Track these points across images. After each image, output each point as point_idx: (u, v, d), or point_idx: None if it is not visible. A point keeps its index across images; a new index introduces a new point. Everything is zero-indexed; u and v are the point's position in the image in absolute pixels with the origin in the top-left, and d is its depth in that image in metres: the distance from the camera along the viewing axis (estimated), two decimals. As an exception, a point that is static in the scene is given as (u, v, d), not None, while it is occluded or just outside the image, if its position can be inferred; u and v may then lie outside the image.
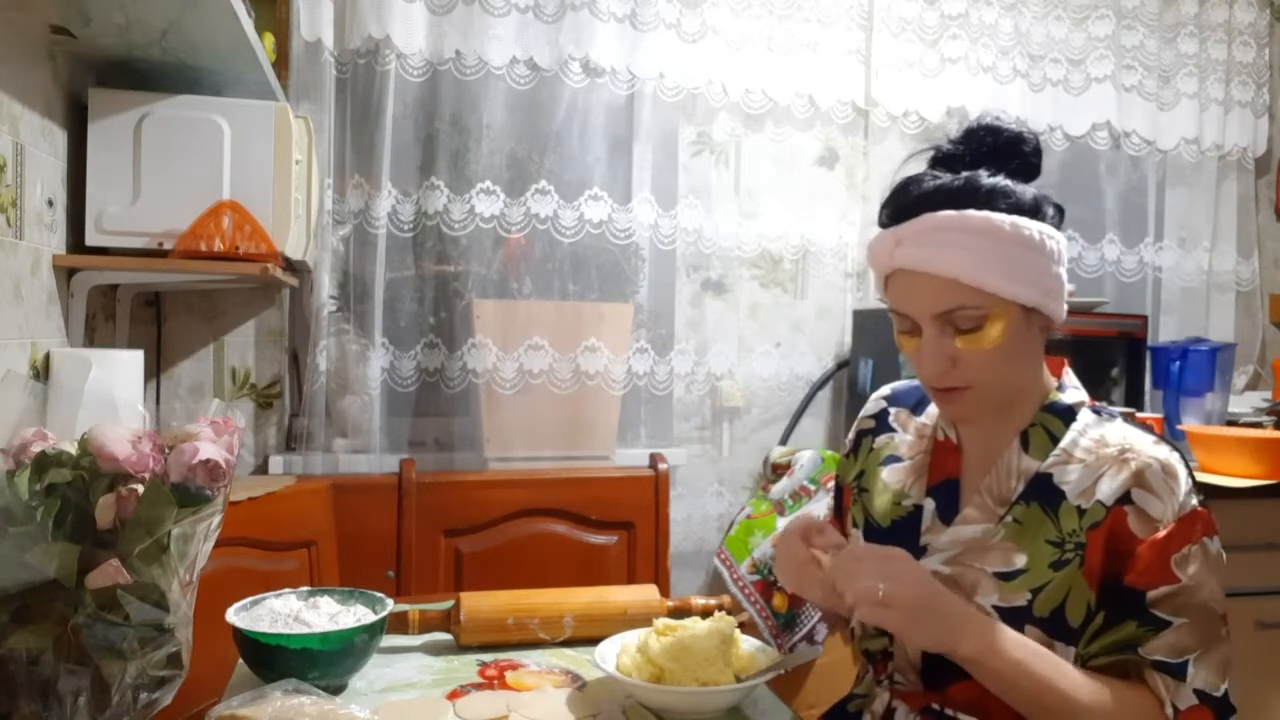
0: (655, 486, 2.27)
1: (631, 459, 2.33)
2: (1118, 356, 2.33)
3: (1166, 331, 2.69)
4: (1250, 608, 2.00)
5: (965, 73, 2.50)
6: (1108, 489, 0.93)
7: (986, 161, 0.96)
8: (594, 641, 1.14)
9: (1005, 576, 0.94)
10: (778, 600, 2.11)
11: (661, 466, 2.29)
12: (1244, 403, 2.50)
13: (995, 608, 0.94)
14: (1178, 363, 2.40)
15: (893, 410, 1.16)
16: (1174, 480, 0.92)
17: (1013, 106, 2.54)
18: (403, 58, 2.14)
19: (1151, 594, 0.90)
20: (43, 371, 1.48)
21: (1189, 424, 2.32)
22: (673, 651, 1.04)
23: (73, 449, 0.86)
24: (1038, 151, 0.99)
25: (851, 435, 1.20)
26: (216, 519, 0.90)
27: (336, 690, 1.07)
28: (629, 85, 2.29)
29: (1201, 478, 2.00)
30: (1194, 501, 0.93)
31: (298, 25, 2.08)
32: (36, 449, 0.85)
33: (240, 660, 1.09)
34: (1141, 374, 2.37)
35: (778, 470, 2.35)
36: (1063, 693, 0.87)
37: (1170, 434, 2.30)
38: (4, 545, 0.80)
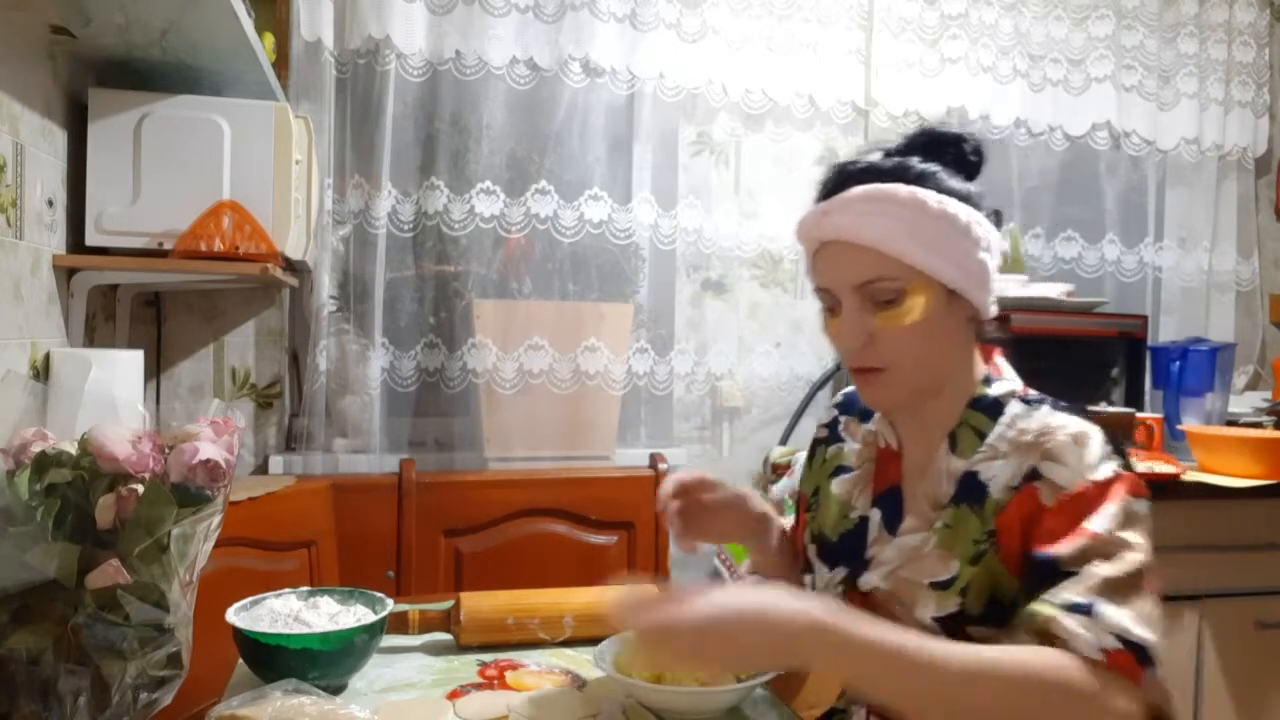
0: (655, 486, 2.27)
1: (631, 459, 2.33)
2: (1118, 356, 2.33)
3: (1166, 331, 2.69)
4: (1250, 608, 2.00)
5: (965, 73, 2.51)
6: (1016, 472, 0.90)
7: (922, 152, 0.96)
8: (594, 641, 1.14)
9: (942, 585, 0.91)
10: (778, 600, 2.11)
11: (661, 466, 2.29)
12: (1244, 403, 2.51)
13: (935, 619, 0.90)
14: (1178, 363, 2.41)
15: (843, 418, 1.13)
16: (1083, 447, 0.88)
17: (1013, 106, 2.54)
18: (403, 58, 2.14)
19: (1063, 553, 0.83)
20: (43, 371, 1.48)
21: (1189, 424, 2.32)
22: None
23: (73, 449, 0.86)
24: (978, 152, 0.99)
25: (809, 446, 1.18)
26: (216, 519, 0.90)
27: (336, 690, 1.06)
28: (629, 85, 2.29)
29: (1201, 478, 2.00)
30: (1112, 466, 0.87)
31: (298, 25, 2.08)
32: (36, 449, 0.85)
33: (240, 660, 1.09)
34: (1141, 374, 2.37)
35: (778, 470, 2.35)
36: (945, 670, 0.76)
37: (1170, 434, 2.30)
38: (4, 545, 0.80)
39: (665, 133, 2.39)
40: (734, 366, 2.43)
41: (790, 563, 1.16)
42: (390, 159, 2.14)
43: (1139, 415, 2.20)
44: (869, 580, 0.98)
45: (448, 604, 1.25)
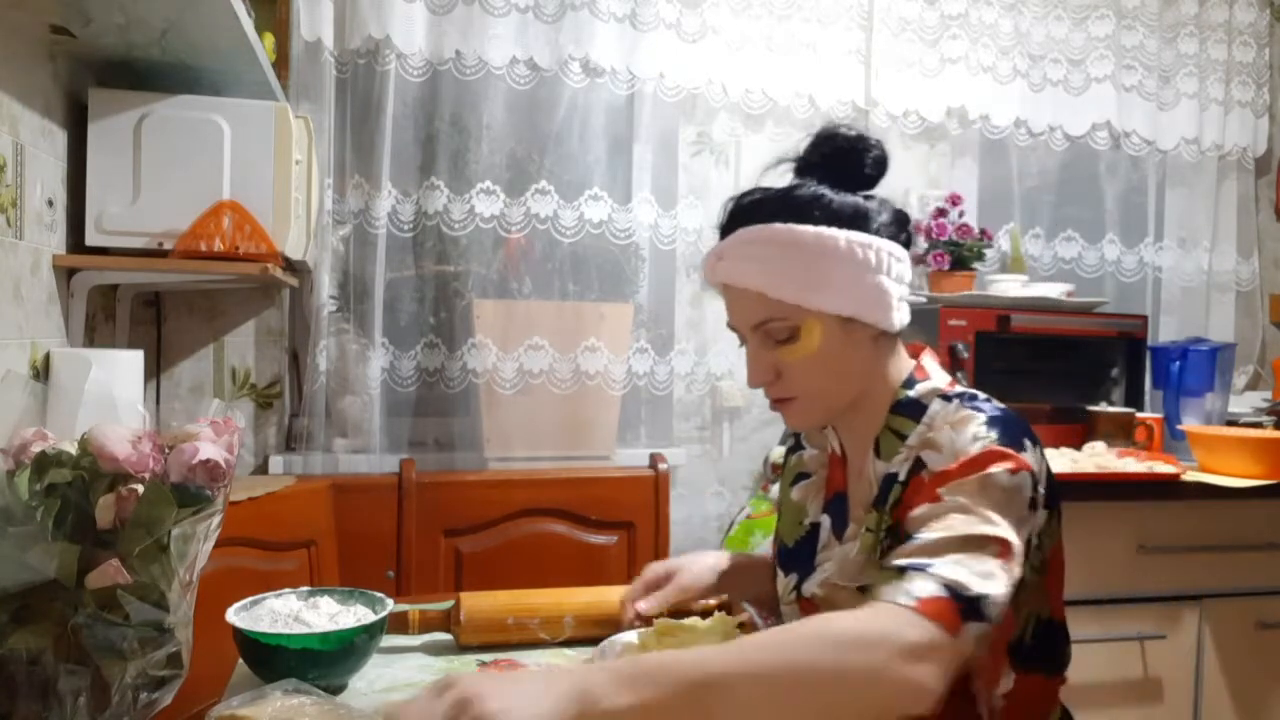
0: (655, 486, 2.27)
1: (631, 459, 2.33)
2: (1118, 356, 2.33)
3: (1166, 331, 2.69)
4: (1250, 608, 2.00)
5: (965, 73, 2.50)
6: (909, 468, 0.90)
7: (820, 170, 0.96)
8: (594, 641, 1.14)
9: (867, 589, 0.90)
10: (778, 600, 2.11)
11: (661, 466, 2.29)
12: (1244, 403, 2.50)
13: None
14: (1178, 363, 2.40)
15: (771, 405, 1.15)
16: (960, 430, 0.88)
17: (1013, 106, 2.54)
18: (403, 58, 2.14)
19: (910, 517, 0.84)
20: (43, 371, 1.48)
21: (1189, 424, 2.32)
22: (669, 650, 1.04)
23: (73, 449, 0.86)
24: (878, 162, 0.97)
25: (783, 454, 1.19)
26: (216, 519, 0.90)
27: (336, 690, 1.06)
28: (629, 85, 2.29)
29: (1201, 478, 2.00)
30: (982, 443, 0.86)
31: (298, 25, 2.08)
32: (36, 449, 0.85)
33: (240, 660, 1.09)
34: (1141, 374, 2.37)
35: (778, 470, 2.35)
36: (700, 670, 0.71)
37: (1170, 434, 2.30)
38: (4, 545, 0.80)
39: (665, 133, 2.39)
40: (734, 366, 2.43)
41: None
42: (390, 159, 2.14)
43: (1139, 415, 2.20)
44: (808, 587, 0.99)
45: (448, 604, 1.25)
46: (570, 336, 2.25)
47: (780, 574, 1.07)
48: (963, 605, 0.75)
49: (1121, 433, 2.16)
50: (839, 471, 1.03)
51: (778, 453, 2.39)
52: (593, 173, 2.27)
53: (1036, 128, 2.57)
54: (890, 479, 0.94)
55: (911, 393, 0.97)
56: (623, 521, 2.24)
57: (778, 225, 0.92)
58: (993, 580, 0.77)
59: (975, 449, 0.85)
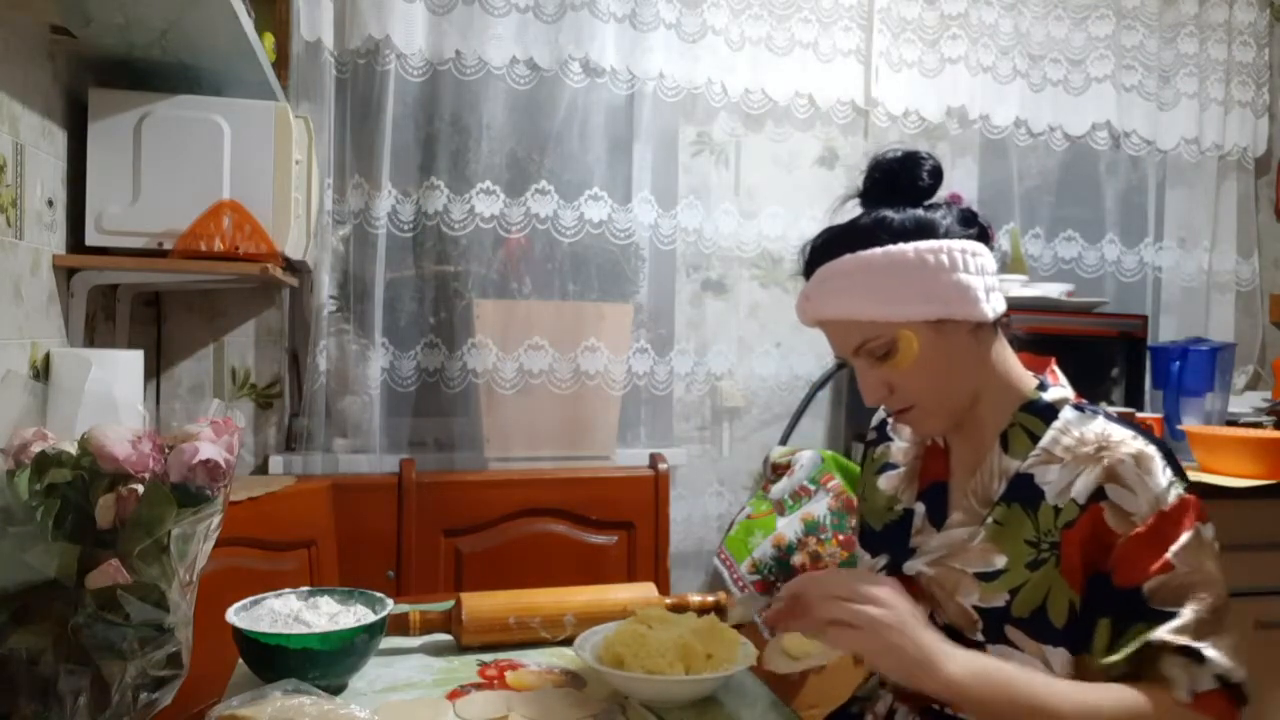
0: (655, 486, 2.27)
1: (631, 459, 2.33)
2: (1118, 356, 2.33)
3: (1166, 331, 2.69)
4: (1250, 608, 1.99)
5: (965, 73, 2.51)
6: (1081, 487, 0.93)
7: (878, 195, 1.01)
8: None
9: (985, 577, 0.95)
10: (778, 600, 2.11)
11: (661, 466, 2.29)
12: (1244, 403, 2.50)
13: (975, 608, 0.95)
14: (1178, 363, 2.40)
15: (890, 419, 1.17)
16: (1148, 473, 0.91)
17: (1013, 106, 2.54)
18: (403, 58, 2.14)
19: (1147, 586, 0.88)
20: (43, 371, 1.48)
21: (1189, 424, 2.32)
22: (630, 641, 1.08)
23: (73, 449, 0.86)
24: (933, 172, 1.02)
25: (862, 449, 1.23)
26: (216, 519, 0.90)
27: (336, 690, 1.07)
28: (629, 85, 2.29)
29: (1201, 478, 2.00)
30: (1178, 491, 0.91)
31: (298, 25, 2.08)
32: (36, 449, 0.85)
33: (240, 660, 1.09)
34: (1141, 374, 2.37)
35: (778, 470, 2.35)
36: (1049, 709, 0.85)
37: (1170, 434, 2.30)
38: (4, 545, 0.80)
39: (665, 133, 2.38)
40: (734, 366, 2.43)
41: None
42: (390, 159, 2.14)
43: (1139, 415, 2.19)
44: (913, 566, 1.02)
45: (448, 604, 1.25)
46: (570, 336, 2.25)
47: (864, 554, 1.13)
48: (1234, 694, 0.86)
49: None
50: (939, 462, 1.07)
51: (778, 453, 2.39)
52: (593, 173, 2.27)
53: (1036, 128, 2.57)
54: (1025, 479, 0.96)
55: (1046, 396, 1.01)
56: (623, 521, 2.24)
57: (846, 256, 0.97)
58: (1241, 654, 0.87)
59: (1172, 498, 0.90)
